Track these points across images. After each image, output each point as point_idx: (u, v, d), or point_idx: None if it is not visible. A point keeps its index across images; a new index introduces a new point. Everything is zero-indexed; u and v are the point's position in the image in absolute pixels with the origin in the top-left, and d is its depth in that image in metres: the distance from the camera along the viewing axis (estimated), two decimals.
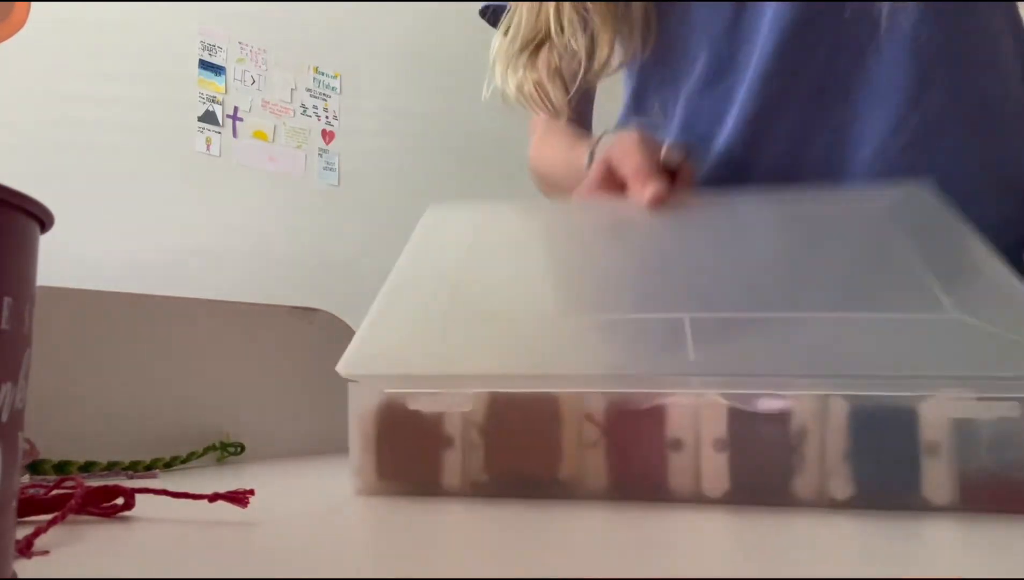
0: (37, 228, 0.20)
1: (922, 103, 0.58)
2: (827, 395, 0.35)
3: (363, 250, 2.41)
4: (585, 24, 0.64)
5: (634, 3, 0.65)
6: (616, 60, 0.67)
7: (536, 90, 0.67)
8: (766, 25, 0.62)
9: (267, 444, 0.58)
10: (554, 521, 0.32)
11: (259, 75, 2.34)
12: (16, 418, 0.19)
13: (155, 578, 0.23)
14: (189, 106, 2.20)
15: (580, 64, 0.65)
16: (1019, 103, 0.61)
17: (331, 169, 2.43)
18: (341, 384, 0.65)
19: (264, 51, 2.35)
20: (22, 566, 0.23)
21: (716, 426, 0.35)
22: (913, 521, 0.31)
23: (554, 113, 0.69)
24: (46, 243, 0.22)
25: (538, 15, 0.66)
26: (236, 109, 2.28)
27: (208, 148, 2.22)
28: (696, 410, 0.35)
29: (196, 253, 2.14)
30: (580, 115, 0.75)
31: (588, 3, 0.64)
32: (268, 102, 2.35)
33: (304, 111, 2.41)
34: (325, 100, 2.46)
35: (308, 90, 2.43)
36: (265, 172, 2.29)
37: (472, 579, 0.22)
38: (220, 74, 2.27)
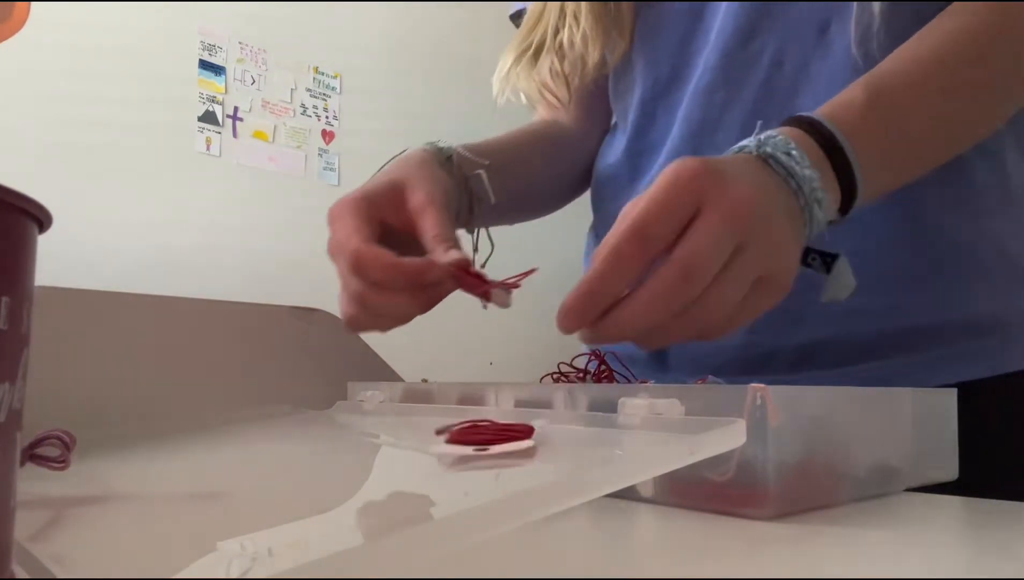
0: (35, 228, 0.20)
1: None
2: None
3: None
4: (580, 26, 0.67)
5: (623, 6, 0.67)
6: (609, 61, 0.69)
7: (540, 91, 0.72)
8: (712, 37, 0.62)
9: None
10: None
11: (259, 75, 2.34)
12: (14, 418, 0.19)
13: (155, 578, 0.23)
14: (189, 106, 2.20)
15: (575, 65, 0.68)
16: None
17: (331, 169, 2.43)
18: (341, 384, 0.65)
19: (264, 51, 2.35)
20: (22, 566, 0.23)
21: None
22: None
23: (562, 110, 0.74)
24: (45, 243, 0.22)
25: (539, 19, 0.70)
26: (236, 109, 2.28)
27: (208, 148, 2.22)
28: None
29: (196, 253, 2.14)
30: (590, 110, 0.77)
31: (582, 6, 0.67)
32: (268, 102, 2.34)
33: (304, 111, 2.41)
34: (325, 100, 2.46)
35: (308, 90, 2.43)
36: (265, 172, 2.29)
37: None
38: (220, 74, 2.26)
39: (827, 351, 0.57)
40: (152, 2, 2.13)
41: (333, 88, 2.48)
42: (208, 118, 2.23)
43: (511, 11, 0.79)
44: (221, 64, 2.27)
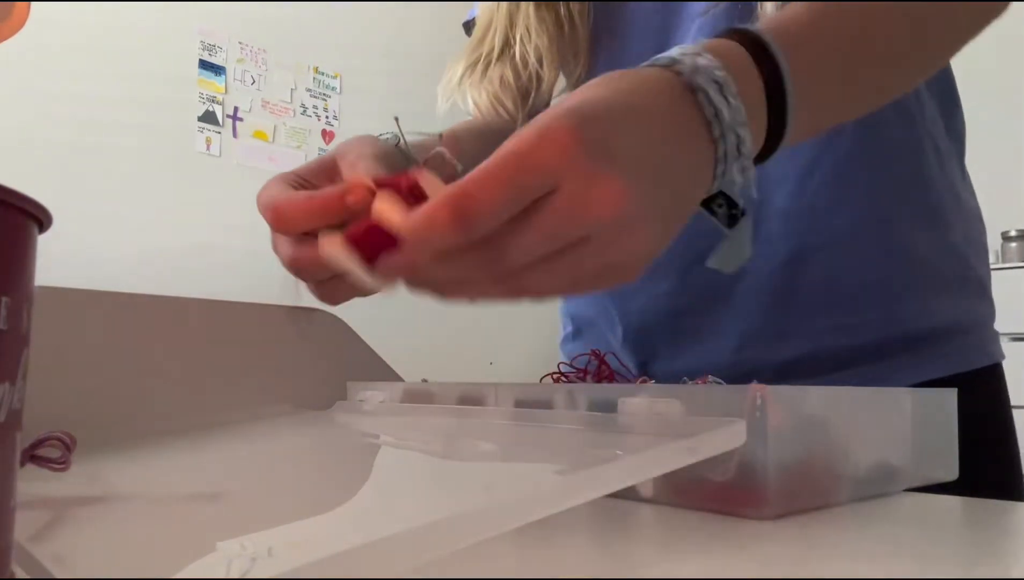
0: (35, 228, 0.20)
1: (833, 144, 0.57)
2: None
3: None
4: (533, 42, 0.66)
5: (579, 31, 0.66)
6: (563, 83, 0.69)
7: (490, 102, 0.70)
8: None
9: None
10: None
11: (259, 75, 2.34)
12: (14, 418, 0.19)
13: (155, 578, 0.23)
14: (189, 106, 2.20)
15: (531, 81, 0.68)
16: (930, 148, 0.60)
17: None
18: (341, 384, 0.65)
19: (264, 51, 2.35)
20: (22, 566, 0.23)
21: None
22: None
23: (510, 122, 0.70)
24: (45, 243, 0.22)
25: (492, 31, 0.69)
26: (236, 109, 2.28)
27: (208, 148, 2.22)
28: None
29: (196, 253, 2.14)
30: None
31: (536, 27, 0.66)
32: (268, 102, 2.35)
33: (304, 111, 2.41)
34: (325, 100, 2.46)
35: (308, 90, 2.43)
36: (265, 172, 2.29)
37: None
38: (220, 74, 2.26)
39: (806, 365, 0.59)
40: (152, 2, 2.13)
41: (333, 88, 2.48)
42: (208, 118, 2.23)
43: (464, 19, 0.77)
44: (221, 64, 2.27)
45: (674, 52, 0.34)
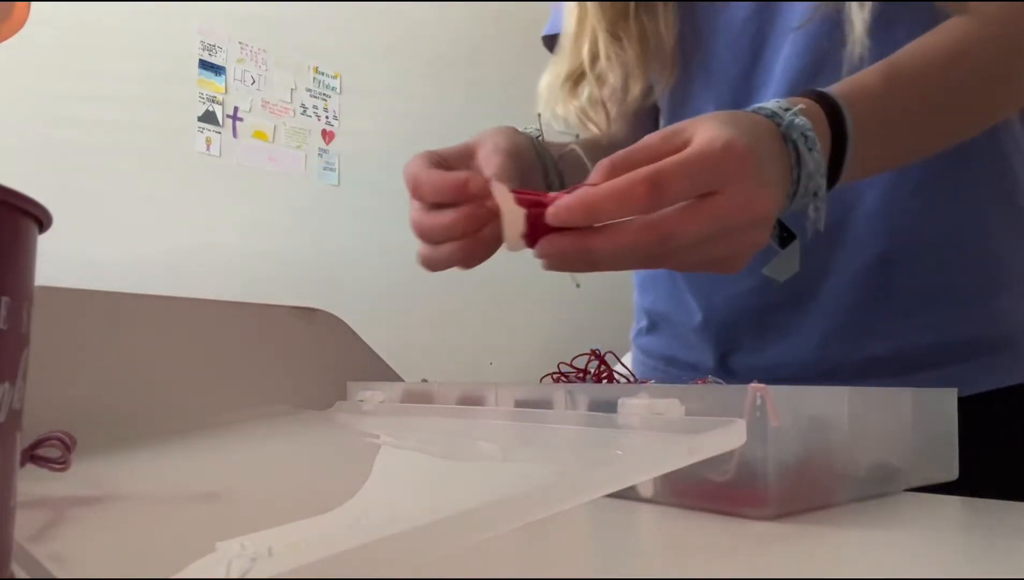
0: (35, 228, 0.20)
1: None
2: None
3: (363, 250, 2.41)
4: (620, 58, 0.67)
5: (666, 41, 0.67)
6: (652, 93, 0.69)
7: (579, 117, 0.71)
8: (778, 73, 0.63)
9: None
10: None
11: (259, 75, 2.34)
12: (14, 418, 0.19)
13: (155, 578, 0.23)
14: (189, 106, 2.20)
15: (617, 95, 0.68)
16: (1015, 151, 0.62)
17: (331, 169, 2.43)
18: (341, 384, 0.65)
19: (264, 51, 2.35)
20: (22, 566, 0.23)
21: None
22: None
23: (603, 136, 0.72)
24: (45, 243, 0.22)
25: (579, 47, 0.69)
26: (236, 109, 2.28)
27: (208, 148, 2.22)
28: None
29: (196, 253, 2.14)
30: (635, 130, 0.76)
31: (624, 38, 0.67)
32: (268, 102, 2.35)
33: (304, 111, 2.41)
34: (325, 100, 2.46)
35: (308, 90, 2.43)
36: (265, 172, 2.29)
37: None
38: (220, 74, 2.26)
39: (888, 364, 0.60)
40: (152, 2, 2.13)
41: (333, 88, 2.48)
42: (208, 118, 2.23)
43: (543, 32, 0.77)
44: (221, 64, 2.27)
45: (773, 106, 0.43)
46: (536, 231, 0.39)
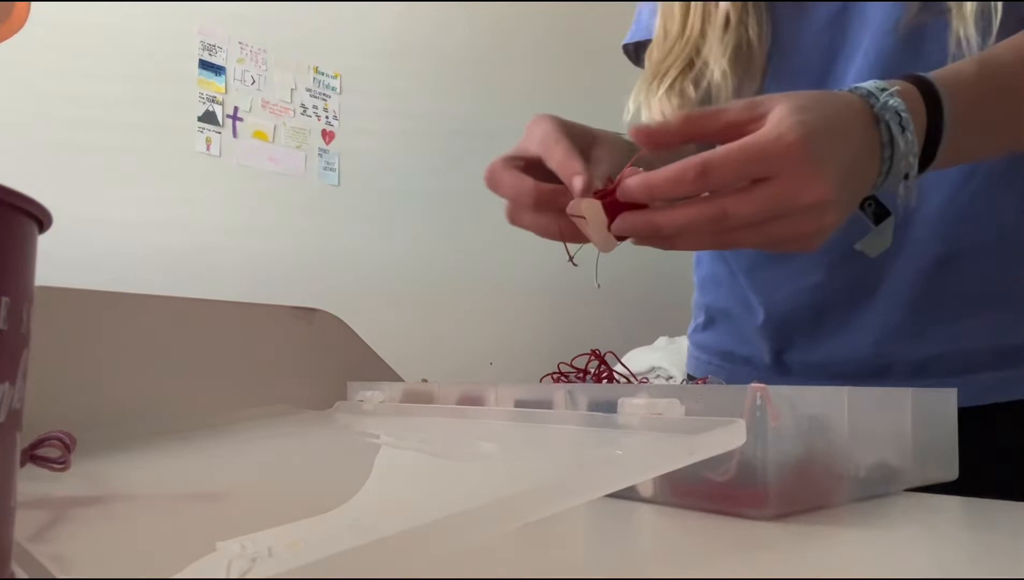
0: (36, 228, 0.20)
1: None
2: None
3: (363, 250, 2.41)
4: (719, 63, 0.68)
5: (756, 50, 0.69)
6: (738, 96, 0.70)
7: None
8: (852, 80, 0.63)
9: None
10: None
11: (259, 75, 2.34)
12: (14, 418, 0.19)
13: (155, 578, 0.23)
14: (189, 106, 2.20)
15: (709, 98, 0.69)
16: None
17: (331, 169, 2.43)
18: (341, 384, 0.65)
19: (264, 51, 2.35)
20: (22, 566, 0.23)
21: None
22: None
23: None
24: (46, 243, 0.22)
25: (670, 52, 0.71)
26: (236, 109, 2.28)
27: (208, 148, 2.22)
28: None
29: (196, 253, 2.14)
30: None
31: (722, 43, 0.68)
32: (268, 102, 2.34)
33: (304, 111, 2.41)
34: (325, 100, 2.46)
35: (308, 90, 2.43)
36: (265, 172, 2.29)
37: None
38: (220, 74, 2.26)
39: (943, 364, 0.61)
40: (152, 2, 2.13)
41: (333, 88, 2.48)
42: (208, 118, 2.23)
43: (624, 41, 0.79)
44: (221, 64, 2.26)
45: (870, 86, 0.45)
46: (614, 215, 0.44)
